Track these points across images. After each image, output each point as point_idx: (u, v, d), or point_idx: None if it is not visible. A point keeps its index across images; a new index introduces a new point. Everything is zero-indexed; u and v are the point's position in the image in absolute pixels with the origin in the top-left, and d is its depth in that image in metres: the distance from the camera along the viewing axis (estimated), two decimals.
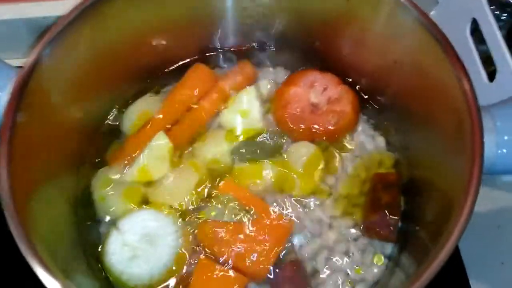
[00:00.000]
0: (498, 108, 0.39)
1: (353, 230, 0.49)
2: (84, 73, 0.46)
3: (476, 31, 0.61)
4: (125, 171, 0.50)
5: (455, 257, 0.55)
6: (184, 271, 0.45)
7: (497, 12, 0.60)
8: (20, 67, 0.39)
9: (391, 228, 0.47)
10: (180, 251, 0.45)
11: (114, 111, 0.54)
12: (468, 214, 0.36)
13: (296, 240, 0.48)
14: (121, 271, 0.43)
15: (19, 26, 0.57)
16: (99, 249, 0.45)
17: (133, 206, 0.48)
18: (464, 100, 0.38)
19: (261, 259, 0.45)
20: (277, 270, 0.45)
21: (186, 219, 0.48)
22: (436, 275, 0.50)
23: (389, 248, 0.48)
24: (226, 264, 0.45)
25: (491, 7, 0.57)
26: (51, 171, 0.43)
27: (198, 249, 0.46)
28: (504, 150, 0.38)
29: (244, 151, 0.50)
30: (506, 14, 0.60)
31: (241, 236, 0.46)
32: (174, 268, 0.45)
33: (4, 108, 0.36)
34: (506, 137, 0.38)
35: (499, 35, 0.53)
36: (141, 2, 0.48)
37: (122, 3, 0.45)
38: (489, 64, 0.60)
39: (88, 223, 0.48)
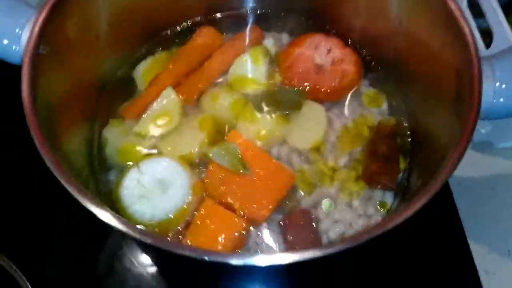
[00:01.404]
0: (498, 58, 0.41)
1: (354, 182, 0.51)
2: (102, 25, 0.47)
3: (472, 6, 0.64)
4: (135, 124, 0.51)
5: (454, 217, 0.57)
6: (183, 224, 0.47)
7: None
8: None
9: (390, 176, 0.49)
10: (185, 206, 0.47)
11: (126, 67, 0.56)
12: (460, 154, 0.37)
13: (299, 190, 0.50)
14: (129, 205, 0.45)
15: None
16: (116, 180, 0.47)
17: (142, 156, 0.50)
18: (465, 49, 0.40)
19: (262, 204, 0.47)
20: (284, 217, 0.47)
21: (196, 170, 0.49)
22: (434, 231, 0.53)
23: (389, 198, 0.50)
24: (230, 209, 0.47)
25: None
26: (68, 121, 0.44)
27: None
28: (501, 99, 0.41)
29: (264, 101, 0.52)
30: None
31: (245, 183, 0.48)
32: (174, 219, 0.46)
33: (25, 45, 0.37)
34: (504, 86, 0.40)
35: (495, 1, 0.56)
36: None
37: None
38: (485, 37, 0.62)
39: (100, 168, 0.49)
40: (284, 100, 0.52)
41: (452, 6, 0.42)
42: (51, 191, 0.39)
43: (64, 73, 0.43)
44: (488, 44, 0.61)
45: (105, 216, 0.33)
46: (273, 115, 0.51)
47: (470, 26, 0.41)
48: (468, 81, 0.40)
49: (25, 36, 0.39)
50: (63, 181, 0.34)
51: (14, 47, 0.39)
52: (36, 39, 0.37)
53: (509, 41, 0.56)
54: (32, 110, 0.35)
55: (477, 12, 0.61)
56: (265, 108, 0.51)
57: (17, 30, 0.39)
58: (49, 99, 0.40)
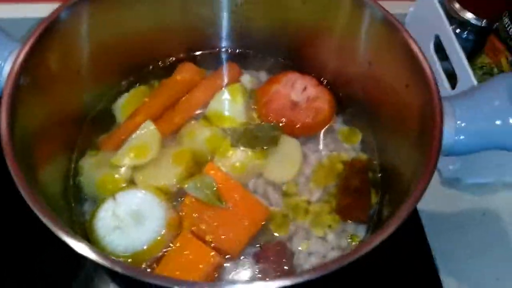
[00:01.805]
0: (458, 98, 0.44)
1: (328, 216, 0.52)
2: (84, 60, 0.49)
3: (438, 51, 0.68)
4: (113, 155, 0.52)
5: (425, 252, 0.58)
6: (158, 256, 0.47)
7: (458, 31, 0.68)
8: None
9: (362, 210, 0.50)
10: (160, 238, 0.47)
11: (105, 100, 0.57)
12: (424, 186, 0.39)
13: (274, 224, 0.51)
14: (103, 236, 0.45)
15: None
16: (91, 211, 0.47)
17: (119, 187, 0.50)
18: (427, 89, 0.43)
19: (237, 237, 0.48)
20: (259, 250, 0.48)
21: (173, 202, 0.50)
22: (405, 265, 0.54)
23: (362, 231, 0.51)
24: (204, 241, 0.47)
25: (452, 26, 0.64)
26: (45, 151, 0.45)
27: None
28: (461, 137, 0.43)
29: (242, 138, 0.53)
30: (466, 33, 0.68)
31: (220, 216, 0.48)
32: (148, 250, 0.46)
33: (7, 76, 0.38)
34: (463, 124, 0.43)
35: (458, 46, 0.60)
36: (134, 5, 0.52)
37: (116, 2, 0.49)
38: (451, 80, 0.67)
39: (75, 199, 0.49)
40: (261, 136, 0.53)
41: (415, 49, 0.46)
42: (24, 221, 0.39)
43: (44, 105, 0.44)
44: (453, 86, 0.64)
45: (77, 245, 0.33)
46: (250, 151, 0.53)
47: (431, 68, 0.44)
48: (430, 119, 0.42)
49: (7, 68, 0.40)
50: (36, 211, 0.34)
51: None
52: (17, 70, 0.38)
53: (472, 83, 0.60)
54: (9, 141, 0.36)
55: (444, 55, 0.65)
56: (243, 145, 0.53)
57: (1, 63, 0.40)
58: (28, 129, 0.41)
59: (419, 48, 0.45)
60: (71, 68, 0.49)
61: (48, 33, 0.43)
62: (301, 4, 0.55)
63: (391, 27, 0.46)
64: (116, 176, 0.51)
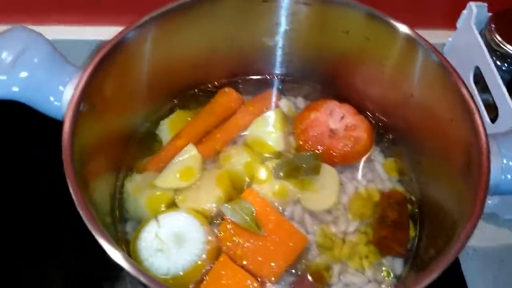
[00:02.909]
0: (503, 136, 0.44)
1: (365, 247, 0.52)
2: (136, 84, 0.51)
3: (478, 82, 0.68)
4: (156, 177, 0.54)
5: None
6: (197, 280, 0.48)
7: (498, 63, 0.67)
8: None
9: (400, 243, 0.50)
10: (200, 262, 0.48)
11: (150, 122, 0.59)
12: (472, 227, 0.39)
13: (310, 252, 0.51)
14: (146, 258, 0.46)
15: (87, 48, 0.64)
16: (134, 232, 0.49)
17: (161, 209, 0.52)
18: (473, 126, 0.43)
19: (274, 265, 0.48)
20: (296, 278, 0.48)
21: (212, 226, 0.51)
22: None
23: (399, 264, 0.51)
24: (241, 266, 0.48)
25: (492, 57, 0.64)
26: (96, 171, 0.47)
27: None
28: (509, 176, 0.43)
29: (284, 170, 0.54)
30: (506, 64, 0.67)
31: (257, 242, 0.49)
32: (188, 274, 0.47)
33: (69, 101, 0.40)
34: (510, 163, 0.43)
35: (499, 79, 0.60)
36: (189, 31, 0.54)
37: (176, 26, 0.51)
38: (490, 111, 0.66)
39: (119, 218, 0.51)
40: (302, 166, 0.54)
41: (460, 84, 0.46)
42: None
43: (97, 127, 0.46)
44: (493, 119, 0.64)
45: (130, 268, 0.35)
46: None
47: (477, 103, 0.44)
48: (477, 157, 0.42)
49: (66, 93, 0.42)
50: (92, 229, 0.36)
51: (56, 103, 0.42)
52: (78, 97, 0.40)
53: None
54: (70, 163, 0.38)
55: (483, 87, 0.65)
56: (286, 177, 0.54)
57: (60, 87, 0.43)
58: (83, 150, 0.43)
59: (467, 89, 0.45)
60: (124, 91, 0.51)
61: (106, 59, 0.45)
62: (344, 34, 0.56)
63: (442, 69, 0.47)
64: (159, 197, 0.52)
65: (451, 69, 0.46)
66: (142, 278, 0.33)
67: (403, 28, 0.50)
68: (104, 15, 0.67)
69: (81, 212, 0.36)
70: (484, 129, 0.42)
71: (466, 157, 0.44)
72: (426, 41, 0.49)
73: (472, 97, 0.44)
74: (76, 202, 0.37)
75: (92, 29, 0.65)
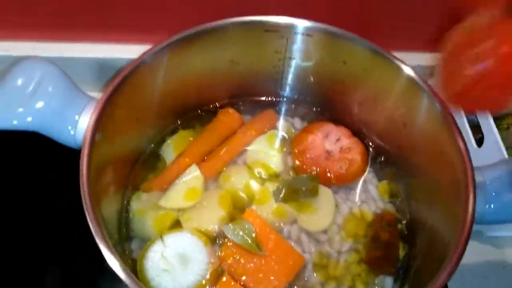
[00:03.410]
0: (488, 169, 0.48)
1: (358, 266, 0.55)
2: (142, 108, 0.53)
3: None
4: (160, 197, 0.56)
5: None
6: None
7: None
8: None
9: (391, 262, 0.54)
10: (204, 282, 0.50)
11: (154, 143, 0.61)
12: (459, 257, 0.43)
13: (307, 271, 0.54)
14: (152, 277, 0.49)
15: (91, 64, 0.66)
16: (140, 251, 0.51)
17: (165, 229, 0.54)
18: (461, 161, 0.46)
19: (274, 284, 0.51)
20: None
21: (215, 246, 0.54)
22: None
23: (389, 283, 0.54)
24: (243, 285, 0.50)
25: None
26: (105, 191, 0.49)
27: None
28: (492, 206, 0.46)
29: (284, 195, 0.57)
30: None
31: (257, 262, 0.52)
32: None
33: (86, 127, 0.43)
34: (493, 194, 0.46)
35: None
36: (195, 58, 0.57)
37: (183, 53, 0.54)
38: (476, 131, 0.70)
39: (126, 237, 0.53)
40: (301, 188, 0.57)
41: (450, 120, 0.49)
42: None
43: (107, 152, 0.49)
44: (479, 139, 0.68)
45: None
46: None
47: (464, 140, 0.48)
48: (464, 187, 0.46)
49: (81, 122, 0.45)
50: (103, 248, 0.38)
51: (72, 131, 0.44)
52: (93, 127, 0.43)
53: (498, 142, 0.63)
54: (87, 187, 0.40)
55: None
56: (286, 201, 0.56)
57: (76, 117, 0.45)
58: (95, 172, 0.45)
59: (454, 118, 0.49)
60: (132, 116, 0.53)
61: (118, 89, 0.47)
62: (342, 64, 0.59)
63: (442, 117, 0.50)
64: (163, 217, 0.55)
65: (449, 117, 0.49)
66: None
67: (399, 64, 0.53)
68: (107, 33, 0.69)
69: (92, 227, 0.39)
70: (472, 167, 0.45)
71: (454, 186, 0.48)
72: (428, 85, 0.51)
73: (460, 133, 0.47)
74: (89, 219, 0.39)
75: (93, 47, 0.67)
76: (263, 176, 0.60)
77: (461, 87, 0.30)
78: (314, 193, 0.57)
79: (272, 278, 0.51)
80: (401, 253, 0.56)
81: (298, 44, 0.58)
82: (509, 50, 0.27)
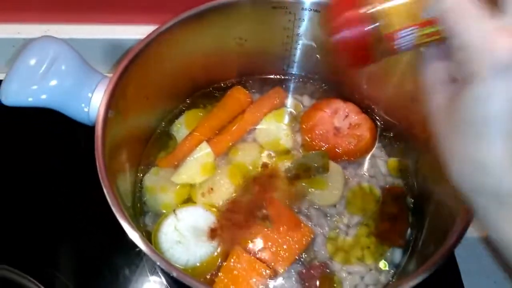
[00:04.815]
0: None
1: (367, 238, 0.56)
2: (151, 87, 0.54)
3: None
4: (173, 173, 0.57)
5: (455, 273, 0.62)
6: (213, 271, 0.52)
7: None
8: None
9: (400, 234, 0.55)
10: (216, 254, 0.52)
11: (166, 121, 0.63)
12: (464, 227, 0.43)
13: (316, 243, 0.55)
14: (166, 249, 0.51)
15: (102, 45, 0.67)
16: (154, 225, 0.54)
17: (178, 204, 0.56)
18: None
19: (284, 255, 0.52)
20: (303, 268, 0.53)
21: (225, 218, 0.55)
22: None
23: (398, 254, 0.55)
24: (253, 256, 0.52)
25: None
26: (120, 167, 0.51)
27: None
28: None
29: (297, 172, 0.57)
30: None
31: (268, 235, 0.53)
32: (206, 264, 0.51)
33: (100, 105, 0.44)
34: None
35: None
36: (204, 36, 0.57)
37: (191, 31, 0.54)
38: None
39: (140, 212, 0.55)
40: (313, 165, 0.57)
41: None
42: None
43: (120, 128, 0.50)
44: None
45: (157, 259, 0.39)
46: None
47: None
48: None
49: (94, 99, 0.46)
50: (122, 219, 0.40)
51: (85, 109, 0.45)
52: (106, 105, 0.44)
53: None
54: (102, 159, 0.41)
55: None
56: (299, 178, 0.57)
57: (89, 94, 0.46)
58: (109, 149, 0.46)
59: None
60: (142, 95, 0.54)
61: (129, 66, 0.48)
62: None
63: None
64: (176, 192, 0.56)
65: None
66: (160, 263, 0.37)
67: None
68: (116, 15, 0.70)
69: (109, 200, 0.40)
70: None
71: None
72: None
73: None
74: (106, 192, 0.41)
75: (103, 28, 0.68)
76: (272, 153, 0.61)
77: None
78: (325, 169, 0.58)
79: (282, 250, 0.53)
80: (410, 226, 0.57)
81: (306, 21, 0.58)
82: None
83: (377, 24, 0.30)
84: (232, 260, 0.51)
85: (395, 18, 0.29)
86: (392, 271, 0.54)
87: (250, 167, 0.59)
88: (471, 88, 0.27)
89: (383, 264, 0.55)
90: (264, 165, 0.59)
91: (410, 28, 0.29)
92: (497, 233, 0.28)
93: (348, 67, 0.33)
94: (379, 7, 0.30)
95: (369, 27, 0.30)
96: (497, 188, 0.27)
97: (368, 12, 0.30)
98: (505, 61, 0.25)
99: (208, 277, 0.51)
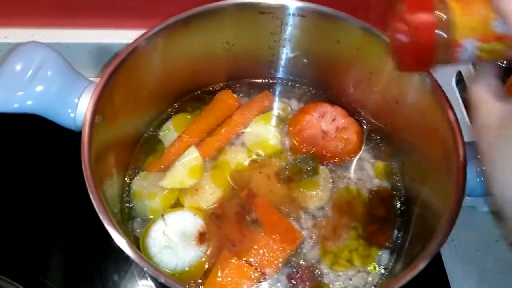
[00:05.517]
0: None
1: (355, 241, 0.57)
2: (139, 91, 0.54)
3: (459, 82, 0.72)
4: (161, 178, 0.57)
5: (442, 276, 0.63)
6: (201, 275, 0.52)
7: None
8: None
9: (387, 236, 0.56)
10: (204, 259, 0.52)
11: (153, 125, 0.63)
12: (450, 227, 0.44)
13: (305, 246, 0.56)
14: (155, 254, 0.50)
15: (90, 50, 0.66)
16: (142, 230, 0.54)
17: (166, 208, 0.56)
18: (452, 135, 0.48)
19: (273, 259, 0.53)
20: (293, 270, 0.53)
21: (214, 223, 0.55)
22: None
23: (386, 256, 0.56)
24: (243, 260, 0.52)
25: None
26: (106, 173, 0.50)
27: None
28: (483, 179, 0.48)
29: (288, 174, 0.58)
30: None
31: (258, 238, 0.53)
32: (194, 269, 0.51)
33: (86, 110, 0.44)
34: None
35: None
36: (192, 40, 0.58)
37: (179, 36, 0.54)
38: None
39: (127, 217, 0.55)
40: (303, 168, 0.58)
41: (441, 95, 0.50)
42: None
43: (107, 134, 0.50)
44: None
45: (145, 264, 0.39)
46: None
47: (455, 115, 0.49)
48: (456, 162, 0.47)
49: (81, 104, 0.46)
50: (108, 225, 0.40)
51: (72, 114, 0.45)
52: (93, 110, 0.44)
53: None
54: (89, 167, 0.41)
55: (464, 86, 0.70)
56: (291, 180, 0.58)
57: (75, 100, 0.46)
58: (96, 154, 0.46)
59: (444, 94, 0.50)
60: (130, 99, 0.54)
61: (116, 72, 0.48)
62: (335, 43, 0.60)
63: (432, 91, 0.51)
64: (164, 197, 0.56)
65: (440, 92, 0.50)
66: (147, 269, 0.37)
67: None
68: (104, 19, 0.70)
69: (96, 206, 0.40)
70: (462, 137, 0.47)
71: (447, 161, 0.49)
72: None
73: (451, 107, 0.48)
74: (92, 198, 0.41)
75: (91, 33, 0.68)
76: (261, 155, 0.62)
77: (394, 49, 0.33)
78: (315, 172, 0.59)
79: (271, 253, 0.53)
80: (397, 228, 0.58)
81: (292, 25, 0.59)
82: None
83: (447, 29, 0.29)
84: (220, 264, 0.51)
85: (466, 26, 0.29)
86: (380, 272, 0.55)
87: (238, 170, 0.59)
88: None
89: (371, 266, 0.56)
90: (252, 168, 0.59)
91: (477, 40, 0.29)
92: None
93: (404, 69, 0.32)
94: (452, 13, 0.29)
95: (440, 32, 0.29)
96: None
97: (441, 16, 0.29)
98: None
99: (195, 281, 0.51)
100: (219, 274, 0.51)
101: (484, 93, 0.32)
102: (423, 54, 0.30)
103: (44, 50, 0.46)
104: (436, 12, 0.29)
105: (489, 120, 0.31)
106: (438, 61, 0.31)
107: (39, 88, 0.45)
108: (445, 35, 0.29)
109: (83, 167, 0.41)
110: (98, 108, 0.45)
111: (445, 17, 0.29)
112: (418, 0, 0.29)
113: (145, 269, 0.38)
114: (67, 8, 0.67)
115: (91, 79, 0.50)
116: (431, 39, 0.29)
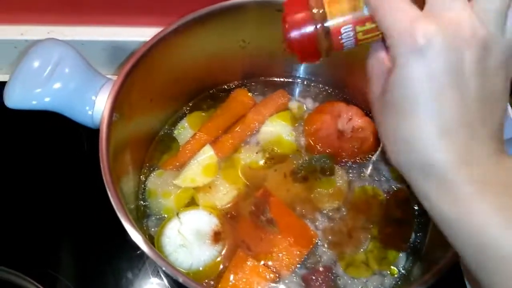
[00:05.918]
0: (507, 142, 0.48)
1: (370, 242, 0.56)
2: (155, 89, 0.54)
3: None
4: (176, 176, 0.57)
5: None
6: (216, 275, 0.51)
7: None
8: None
9: (404, 239, 0.55)
10: (219, 259, 0.52)
11: (169, 124, 0.62)
12: None
13: (320, 248, 0.55)
14: (170, 253, 0.50)
15: (105, 47, 0.67)
16: (157, 228, 0.53)
17: (181, 207, 0.55)
18: None
19: (288, 259, 0.52)
20: (308, 271, 0.52)
21: (228, 222, 0.55)
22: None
23: (402, 259, 0.55)
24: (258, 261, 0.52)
25: None
26: (123, 170, 0.50)
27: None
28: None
29: (304, 174, 0.58)
30: None
31: (272, 239, 0.53)
32: (209, 268, 0.51)
33: (104, 108, 0.44)
34: None
35: None
36: (207, 39, 0.57)
37: (195, 34, 0.54)
38: None
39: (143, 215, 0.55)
40: (319, 167, 0.57)
41: None
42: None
43: (124, 132, 0.50)
44: None
45: (162, 263, 0.39)
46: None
47: None
48: None
49: (98, 102, 0.45)
50: (125, 222, 0.40)
51: (90, 112, 0.45)
52: (111, 108, 0.44)
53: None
54: (107, 165, 0.41)
55: None
56: (306, 179, 0.57)
57: (93, 97, 0.46)
58: (113, 152, 0.46)
59: None
60: (147, 97, 0.54)
61: (133, 70, 0.48)
62: None
63: None
64: (179, 196, 0.56)
65: None
66: (165, 268, 0.37)
67: None
68: (120, 16, 0.69)
69: (113, 203, 0.40)
70: None
71: None
72: None
73: None
74: (110, 195, 0.41)
75: (107, 30, 0.68)
76: (276, 152, 0.61)
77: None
78: (331, 172, 0.58)
79: (285, 254, 0.52)
80: (415, 230, 0.57)
81: None
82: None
83: (322, 21, 0.32)
84: (235, 264, 0.51)
85: (337, 14, 0.32)
86: (397, 275, 0.54)
87: (251, 168, 0.59)
88: (395, 71, 0.29)
89: (387, 269, 0.55)
90: (268, 166, 0.59)
91: (351, 24, 0.31)
92: (429, 203, 0.30)
93: (301, 62, 0.36)
94: (325, 7, 0.32)
95: (316, 26, 0.32)
96: (422, 161, 0.29)
97: (315, 12, 0.32)
98: (421, 44, 0.28)
99: (209, 281, 0.51)
100: (234, 274, 0.50)
101: (373, 66, 0.33)
102: (308, 48, 0.33)
103: (62, 47, 0.46)
104: (311, 10, 0.32)
105: (376, 90, 0.33)
106: (327, 50, 0.34)
107: (57, 85, 0.45)
108: (321, 26, 0.32)
109: (101, 164, 0.41)
110: (116, 106, 0.45)
111: (320, 11, 0.32)
112: (294, 2, 0.33)
113: (163, 268, 0.38)
114: (82, 5, 0.67)
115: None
116: (310, 34, 0.32)
